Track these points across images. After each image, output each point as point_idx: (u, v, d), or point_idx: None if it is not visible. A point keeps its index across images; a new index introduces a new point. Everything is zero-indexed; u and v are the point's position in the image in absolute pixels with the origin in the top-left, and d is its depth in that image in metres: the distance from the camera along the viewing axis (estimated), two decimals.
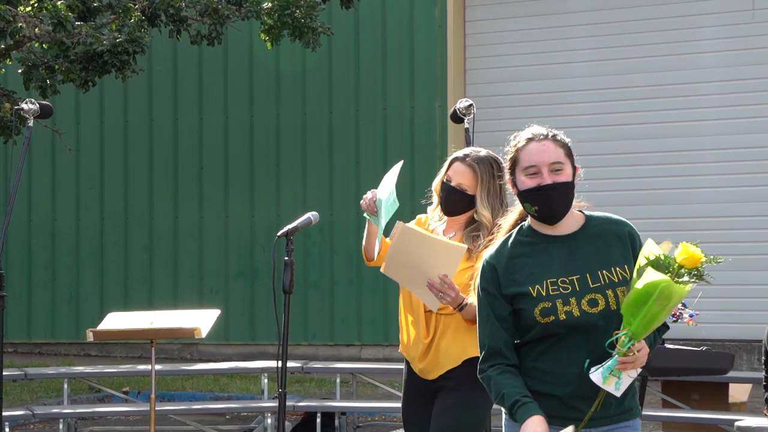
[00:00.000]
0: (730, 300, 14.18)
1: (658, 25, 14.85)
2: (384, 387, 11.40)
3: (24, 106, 6.11)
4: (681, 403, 9.94)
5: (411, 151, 15.53)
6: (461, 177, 5.50)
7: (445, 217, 5.62)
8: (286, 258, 5.38)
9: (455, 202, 5.52)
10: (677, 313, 6.44)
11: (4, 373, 6.06)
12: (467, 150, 5.57)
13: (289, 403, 10.15)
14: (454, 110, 5.89)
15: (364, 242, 5.59)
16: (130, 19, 12.40)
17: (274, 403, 10.21)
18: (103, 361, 15.54)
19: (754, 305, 14.23)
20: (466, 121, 5.85)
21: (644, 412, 7.77)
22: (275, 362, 5.36)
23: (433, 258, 5.17)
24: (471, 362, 5.40)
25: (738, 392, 10.08)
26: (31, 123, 6.20)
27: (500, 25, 15.62)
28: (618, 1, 15.08)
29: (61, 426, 10.25)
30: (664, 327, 4.39)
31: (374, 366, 12.65)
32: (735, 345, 14.02)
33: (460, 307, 5.25)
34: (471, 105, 5.85)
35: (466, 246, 5.31)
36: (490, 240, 5.45)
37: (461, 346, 5.43)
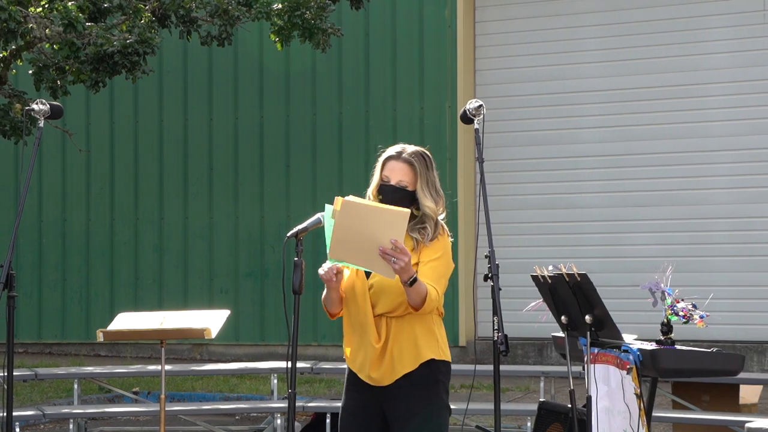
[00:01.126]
0: (741, 301, 14.16)
1: (668, 25, 14.83)
2: None
3: (34, 106, 6.11)
4: (691, 405, 9.93)
5: None
6: (401, 174, 5.48)
7: None
8: (296, 259, 5.36)
9: (398, 200, 5.45)
10: (687, 315, 6.43)
11: (14, 374, 6.06)
12: (396, 147, 5.55)
13: (298, 403, 10.15)
14: (464, 111, 5.86)
15: (324, 297, 5.47)
16: (141, 20, 12.41)
17: (284, 404, 10.21)
18: (113, 362, 15.57)
19: (765, 307, 14.19)
20: (476, 121, 5.82)
21: (654, 414, 7.75)
22: (285, 363, 5.35)
23: (379, 226, 5.15)
24: (428, 365, 5.42)
25: (749, 394, 10.06)
26: (41, 123, 6.19)
27: (510, 26, 15.61)
28: (628, 2, 15.06)
29: (71, 426, 10.26)
30: None
31: None
32: (746, 346, 13.99)
33: (411, 280, 5.22)
34: (481, 106, 5.81)
35: (408, 210, 5.27)
36: (436, 232, 5.47)
37: (416, 349, 5.40)
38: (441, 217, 5.56)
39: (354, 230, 5.19)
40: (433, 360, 5.43)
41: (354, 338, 5.49)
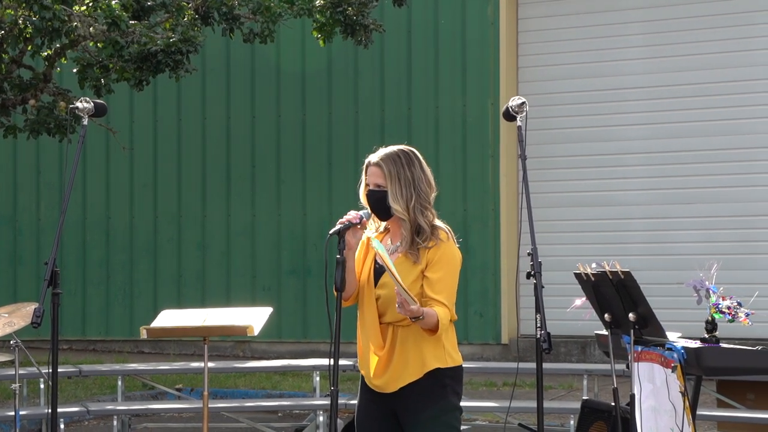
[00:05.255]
0: None
1: (712, 22, 14.73)
2: None
3: (78, 104, 6.14)
4: (736, 403, 9.86)
5: (463, 149, 15.49)
6: (376, 177, 5.51)
7: (383, 224, 5.59)
8: (338, 256, 5.37)
9: (380, 202, 5.49)
10: (732, 313, 6.38)
11: (59, 370, 6.11)
12: (378, 152, 5.58)
13: (341, 401, 10.11)
14: (507, 108, 5.84)
15: (340, 278, 5.39)
16: (184, 17, 12.45)
17: (326, 401, 10.21)
18: (157, 359, 15.64)
19: None
20: (518, 119, 5.80)
21: (699, 412, 7.70)
22: (327, 360, 5.33)
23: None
24: (433, 374, 5.42)
25: None
26: (85, 121, 6.22)
27: (553, 23, 15.56)
28: None
29: (115, 422, 10.31)
30: None
31: None
32: None
33: (417, 318, 5.23)
34: (524, 103, 5.79)
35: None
36: (427, 237, 5.44)
37: (421, 358, 5.41)
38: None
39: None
40: (438, 369, 5.43)
41: (363, 342, 5.55)
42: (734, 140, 14.61)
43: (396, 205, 5.44)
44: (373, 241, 5.38)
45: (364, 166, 5.58)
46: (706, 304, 6.40)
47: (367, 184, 5.55)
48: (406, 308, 5.17)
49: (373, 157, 5.55)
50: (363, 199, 5.59)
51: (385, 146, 5.66)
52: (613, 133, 15.16)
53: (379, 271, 5.49)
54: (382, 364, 5.45)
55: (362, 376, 5.62)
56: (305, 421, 11.27)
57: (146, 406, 11.56)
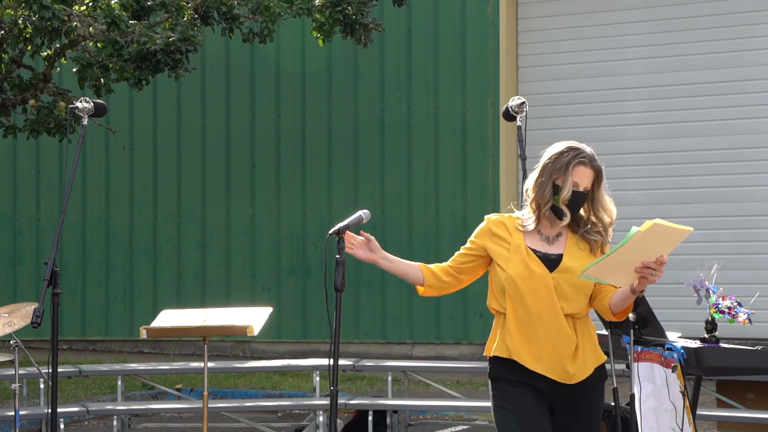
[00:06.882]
0: None
1: (712, 21, 14.72)
2: (435, 385, 11.39)
3: (78, 104, 6.15)
4: (736, 403, 9.85)
5: (462, 150, 15.49)
6: (587, 180, 5.24)
7: (532, 218, 5.32)
8: (338, 256, 5.37)
9: (580, 205, 5.29)
10: (732, 313, 6.38)
11: (59, 370, 6.10)
12: (580, 151, 5.25)
13: (340, 401, 10.14)
14: (507, 108, 5.85)
15: (406, 275, 5.67)
16: (183, 17, 12.46)
17: (326, 401, 10.21)
18: (157, 359, 15.63)
19: None
20: (518, 119, 5.81)
21: (699, 412, 7.70)
22: (327, 360, 5.32)
23: (660, 243, 4.98)
24: (603, 365, 5.42)
25: None
26: (85, 121, 6.23)
27: (553, 23, 15.55)
28: None
29: (114, 422, 10.30)
30: None
31: (425, 364, 12.65)
32: None
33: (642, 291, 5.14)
34: (523, 103, 5.80)
35: (691, 228, 5.08)
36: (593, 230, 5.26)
37: (597, 348, 5.38)
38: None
39: (636, 250, 4.98)
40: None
41: (532, 333, 5.28)
42: (734, 140, 14.61)
43: (604, 216, 5.31)
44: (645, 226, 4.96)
45: (572, 162, 5.23)
46: (706, 304, 6.40)
47: (575, 185, 5.23)
48: (659, 272, 5.02)
49: (590, 159, 5.25)
50: (566, 197, 5.23)
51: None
52: (613, 133, 15.16)
53: (547, 257, 5.28)
54: (573, 352, 5.29)
55: (502, 372, 5.34)
56: (305, 421, 11.26)
57: (146, 406, 11.55)
